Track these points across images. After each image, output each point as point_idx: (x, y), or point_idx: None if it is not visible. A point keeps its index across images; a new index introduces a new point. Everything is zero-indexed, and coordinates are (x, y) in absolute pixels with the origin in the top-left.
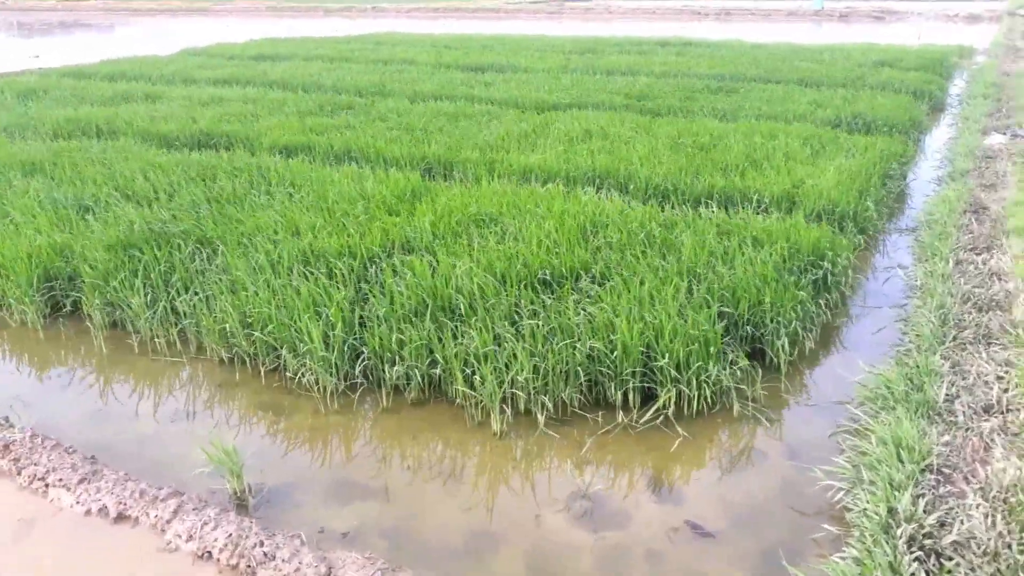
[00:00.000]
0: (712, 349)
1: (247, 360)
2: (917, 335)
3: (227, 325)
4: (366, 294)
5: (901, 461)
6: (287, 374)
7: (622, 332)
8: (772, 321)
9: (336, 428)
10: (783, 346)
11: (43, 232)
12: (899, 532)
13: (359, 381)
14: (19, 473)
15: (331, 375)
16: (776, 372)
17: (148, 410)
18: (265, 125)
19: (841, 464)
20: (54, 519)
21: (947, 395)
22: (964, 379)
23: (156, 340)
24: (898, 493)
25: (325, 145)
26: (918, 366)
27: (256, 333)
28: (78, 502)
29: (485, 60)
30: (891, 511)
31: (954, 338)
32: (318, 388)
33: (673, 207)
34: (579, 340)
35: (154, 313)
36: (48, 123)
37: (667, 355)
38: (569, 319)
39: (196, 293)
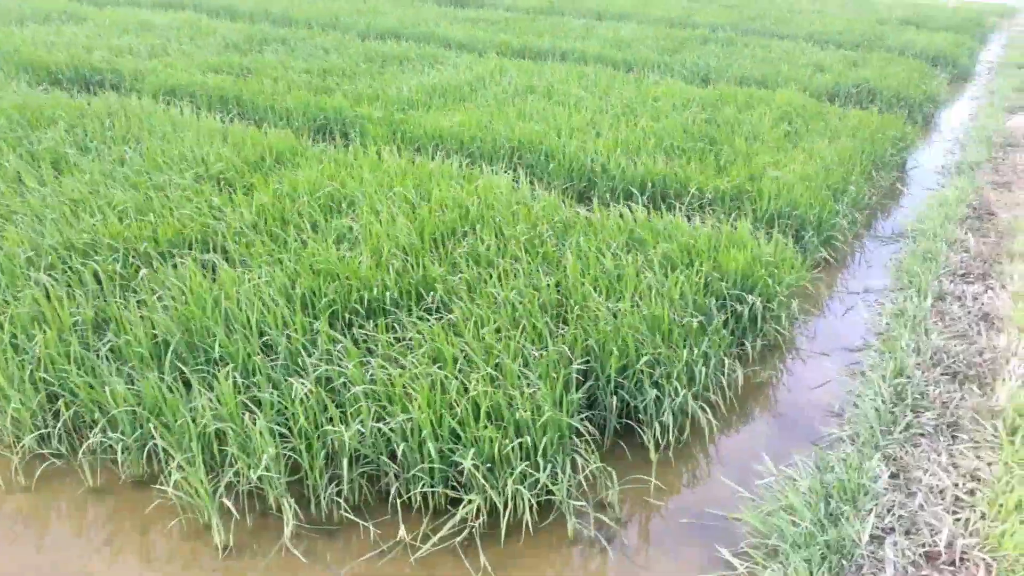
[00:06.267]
0: (546, 439)
1: None
2: (859, 412)
3: None
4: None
5: None
6: None
7: (419, 410)
8: (652, 387)
9: (6, 520)
10: (662, 425)
11: None
12: None
13: (56, 448)
14: None
15: (29, 430)
16: (647, 463)
17: None
18: (164, 61)
19: None
20: None
21: (875, 532)
22: (907, 499)
23: None
24: None
25: (214, 90)
26: (844, 478)
27: None
28: None
29: None
30: None
31: (907, 426)
32: (15, 447)
33: (591, 198)
34: (354, 416)
35: None
36: None
37: (474, 446)
38: (356, 378)
39: None
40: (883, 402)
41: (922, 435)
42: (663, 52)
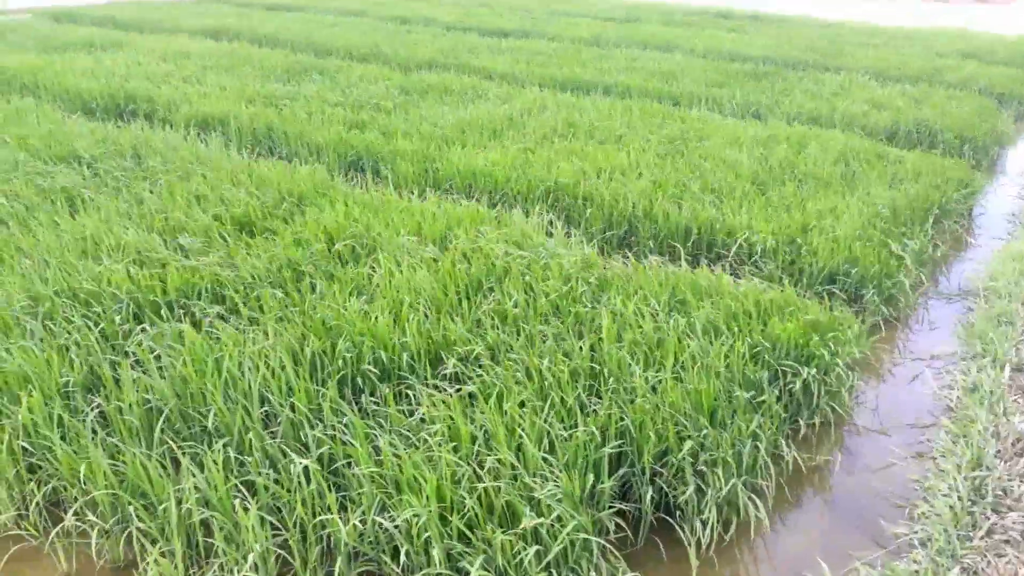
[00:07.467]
0: (565, 543)
1: None
2: (931, 508)
3: None
4: (115, 375)
5: None
6: None
7: (426, 505)
8: (695, 475)
9: None
10: (703, 522)
11: None
12: None
13: (30, 530)
14: None
15: (6, 506)
16: (686, 561)
17: None
18: (198, 90)
19: None
20: None
21: None
22: None
23: None
24: None
25: (246, 122)
26: None
27: None
28: None
29: (511, 24)
30: None
31: (988, 531)
32: None
33: (632, 247)
34: (355, 504)
35: None
36: None
37: (484, 552)
38: (356, 461)
39: None
40: (959, 499)
41: (1007, 542)
42: (708, 86)
